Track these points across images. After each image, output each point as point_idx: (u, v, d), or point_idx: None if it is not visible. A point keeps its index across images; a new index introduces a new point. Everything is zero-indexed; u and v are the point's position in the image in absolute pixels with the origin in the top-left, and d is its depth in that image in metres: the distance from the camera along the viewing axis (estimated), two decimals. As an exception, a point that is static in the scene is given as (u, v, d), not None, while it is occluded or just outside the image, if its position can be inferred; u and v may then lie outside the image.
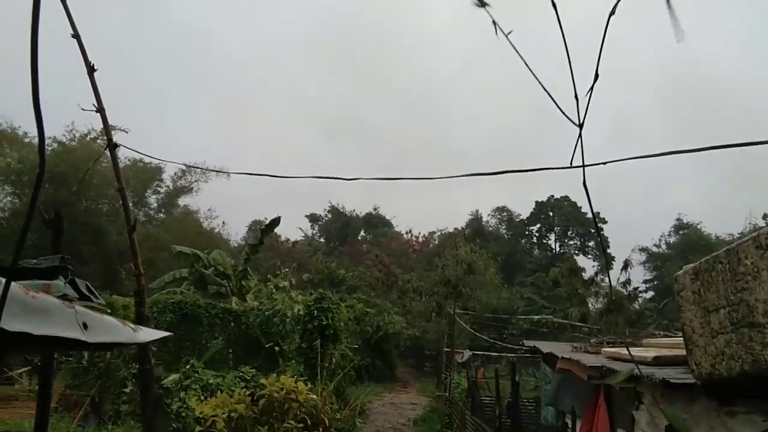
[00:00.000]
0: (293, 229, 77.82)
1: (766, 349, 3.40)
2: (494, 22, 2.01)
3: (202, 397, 12.70)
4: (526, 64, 2.20)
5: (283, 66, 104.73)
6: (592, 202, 2.05)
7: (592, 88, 1.80)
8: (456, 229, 63.34)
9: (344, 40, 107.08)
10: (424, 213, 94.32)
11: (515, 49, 2.11)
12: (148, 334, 3.51)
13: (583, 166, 2.08)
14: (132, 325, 3.08)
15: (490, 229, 69.31)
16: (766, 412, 4.03)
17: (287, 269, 25.25)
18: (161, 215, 43.90)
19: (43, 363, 5.79)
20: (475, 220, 68.38)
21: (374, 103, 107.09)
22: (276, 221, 28.95)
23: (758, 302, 3.47)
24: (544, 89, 2.13)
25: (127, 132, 32.53)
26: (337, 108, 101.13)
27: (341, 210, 71.27)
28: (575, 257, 61.20)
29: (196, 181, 44.42)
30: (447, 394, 23.92)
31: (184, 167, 42.18)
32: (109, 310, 3.51)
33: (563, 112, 2.14)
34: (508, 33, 2.05)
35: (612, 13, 1.66)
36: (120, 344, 3.31)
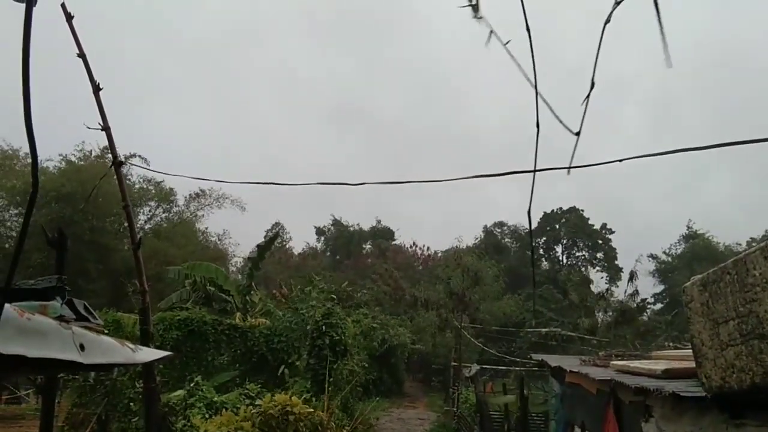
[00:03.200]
0: (304, 234, 75.99)
1: (777, 361, 3.33)
2: (492, 31, 1.99)
3: (207, 415, 12.59)
4: (525, 76, 2.18)
5: (276, 45, 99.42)
6: (532, 227, 2.02)
7: (588, 96, 1.78)
8: (467, 246, 62.76)
9: (345, 16, 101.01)
10: (438, 215, 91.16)
11: (514, 60, 2.09)
12: (147, 354, 3.48)
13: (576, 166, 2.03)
14: (131, 345, 3.05)
15: (506, 241, 68.51)
16: (779, 425, 3.95)
17: (315, 281, 25.14)
18: (168, 227, 43.85)
19: (46, 383, 5.77)
20: (490, 235, 67.69)
21: (381, 88, 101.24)
22: (274, 237, 30.53)
23: (767, 313, 3.41)
24: (543, 99, 2.10)
25: (141, 157, 32.80)
26: (339, 93, 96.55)
27: (344, 223, 71.25)
28: (582, 270, 60.75)
29: (208, 205, 44.59)
30: (455, 409, 23.71)
31: (189, 177, 42.09)
32: (106, 331, 3.48)
33: (561, 122, 2.12)
34: (506, 43, 2.04)
35: (607, 21, 1.65)
36: (119, 365, 3.28)
